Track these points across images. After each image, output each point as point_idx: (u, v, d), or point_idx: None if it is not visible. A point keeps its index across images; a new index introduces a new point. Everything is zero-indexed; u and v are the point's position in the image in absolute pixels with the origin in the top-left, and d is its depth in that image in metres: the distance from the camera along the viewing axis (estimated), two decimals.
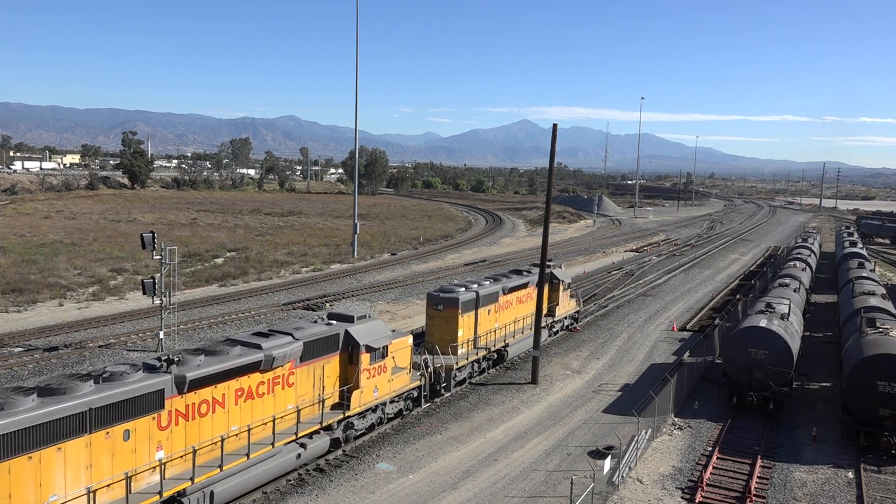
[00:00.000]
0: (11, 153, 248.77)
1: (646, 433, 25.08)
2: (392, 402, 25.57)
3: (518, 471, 23.15)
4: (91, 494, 15.52)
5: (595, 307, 49.37)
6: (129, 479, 16.30)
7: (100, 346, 34.40)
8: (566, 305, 41.16)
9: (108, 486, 16.01)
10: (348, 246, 72.91)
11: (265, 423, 20.11)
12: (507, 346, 34.02)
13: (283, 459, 20.41)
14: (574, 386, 32.45)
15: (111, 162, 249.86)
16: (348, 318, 23.91)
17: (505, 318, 34.45)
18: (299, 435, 21.04)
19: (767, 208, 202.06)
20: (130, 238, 69.90)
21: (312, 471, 22.26)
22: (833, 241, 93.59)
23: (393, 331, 26.22)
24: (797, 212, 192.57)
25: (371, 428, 24.82)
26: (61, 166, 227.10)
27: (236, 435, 19.30)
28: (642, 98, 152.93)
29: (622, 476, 22.55)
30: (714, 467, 23.80)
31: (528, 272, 38.14)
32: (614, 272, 65.67)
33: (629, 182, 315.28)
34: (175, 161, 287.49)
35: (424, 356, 27.89)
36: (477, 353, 31.45)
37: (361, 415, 23.99)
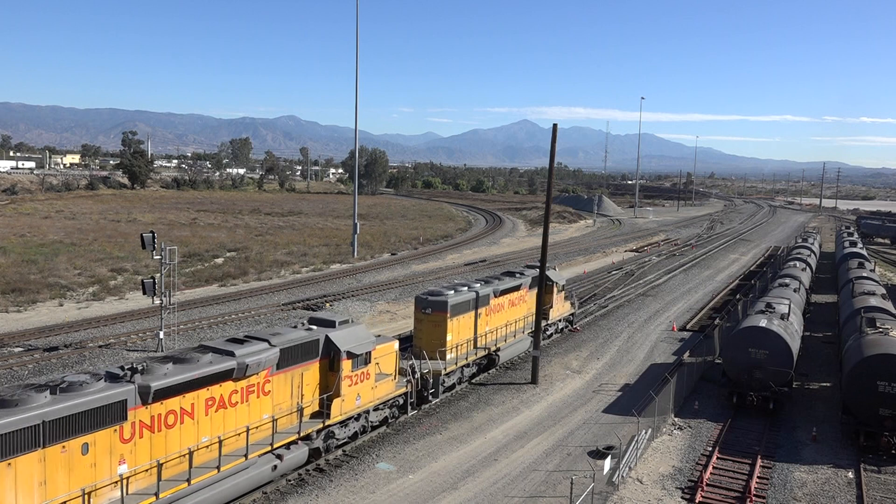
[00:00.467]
0: None
1: (646, 433, 25.07)
2: (376, 409, 24.78)
3: (518, 471, 23.15)
4: None
5: (595, 307, 49.38)
6: (87, 495, 15.54)
7: (100, 346, 34.40)
8: (560, 308, 40.41)
9: (65, 503, 15.22)
10: (348, 246, 72.91)
11: (239, 434, 19.27)
12: (498, 349, 33.27)
13: (257, 472, 19.56)
14: (574, 386, 32.45)
15: (111, 162, 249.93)
16: (329, 324, 23.12)
17: (496, 322, 33.73)
18: (275, 446, 20.21)
19: (767, 208, 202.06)
20: (130, 238, 69.89)
21: (312, 471, 22.25)
22: (833, 241, 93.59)
23: (378, 336, 25.61)
24: (797, 212, 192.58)
25: (354, 437, 24.03)
26: (49, 166, 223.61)
27: (207, 447, 18.46)
28: (642, 98, 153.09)
29: (622, 476, 22.55)
30: (714, 467, 23.80)
31: (521, 274, 37.40)
32: (614, 272, 65.67)
33: (629, 182, 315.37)
34: (175, 161, 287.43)
35: (411, 362, 26.98)
36: (466, 358, 30.61)
37: (343, 424, 23.17)
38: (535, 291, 37.28)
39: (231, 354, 19.19)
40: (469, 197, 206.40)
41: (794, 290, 39.27)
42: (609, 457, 22.44)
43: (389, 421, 25.78)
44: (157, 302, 33.98)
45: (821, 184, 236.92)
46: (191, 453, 17.79)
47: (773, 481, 23.06)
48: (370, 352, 23.58)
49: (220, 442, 18.58)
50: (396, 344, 25.77)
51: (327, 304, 46.04)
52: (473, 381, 31.96)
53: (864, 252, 60.69)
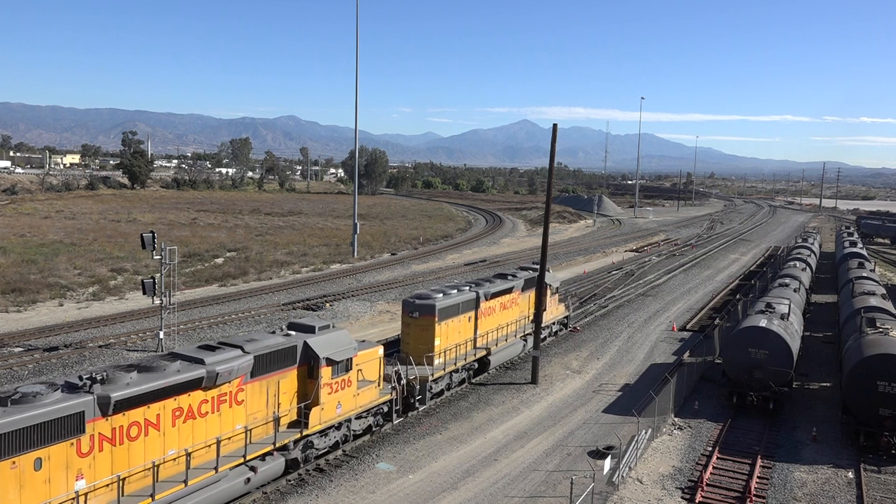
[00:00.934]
0: None
1: (646, 433, 25.08)
2: (359, 418, 23.90)
3: (518, 471, 23.16)
4: None
5: (595, 307, 49.39)
6: None
7: (100, 346, 34.40)
8: (554, 311, 39.54)
9: None
10: (348, 246, 72.92)
11: (209, 446, 18.42)
12: (489, 354, 32.42)
13: (228, 485, 18.62)
14: (574, 386, 32.46)
15: (111, 162, 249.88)
16: (309, 329, 22.35)
17: (487, 325, 32.86)
18: (248, 457, 19.37)
19: (767, 208, 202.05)
20: (130, 238, 69.89)
21: (312, 471, 22.26)
22: (833, 241, 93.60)
23: (362, 341, 24.96)
24: (797, 212, 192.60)
25: (335, 446, 23.22)
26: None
27: (174, 459, 17.66)
28: (642, 98, 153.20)
29: (622, 476, 22.56)
30: (714, 467, 23.81)
31: (514, 276, 36.41)
32: (614, 272, 65.67)
33: (629, 182, 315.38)
34: (175, 161, 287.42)
35: (396, 367, 26.15)
36: (455, 363, 29.68)
37: (323, 433, 22.33)
38: (528, 294, 36.83)
39: (201, 362, 18.35)
40: (469, 197, 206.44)
41: (794, 290, 39.27)
42: (609, 457, 22.44)
43: (374, 429, 24.99)
44: (157, 302, 33.98)
45: (821, 184, 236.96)
46: (155, 467, 17.01)
47: (773, 481, 23.06)
48: (351, 358, 22.75)
49: (188, 454, 17.76)
50: (381, 349, 24.92)
51: (327, 304, 46.04)
52: (473, 381, 31.89)
53: (864, 252, 60.69)
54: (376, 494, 21.03)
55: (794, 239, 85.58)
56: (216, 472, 18.34)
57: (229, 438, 19.12)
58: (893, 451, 25.23)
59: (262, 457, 19.98)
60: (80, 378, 16.32)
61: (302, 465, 21.75)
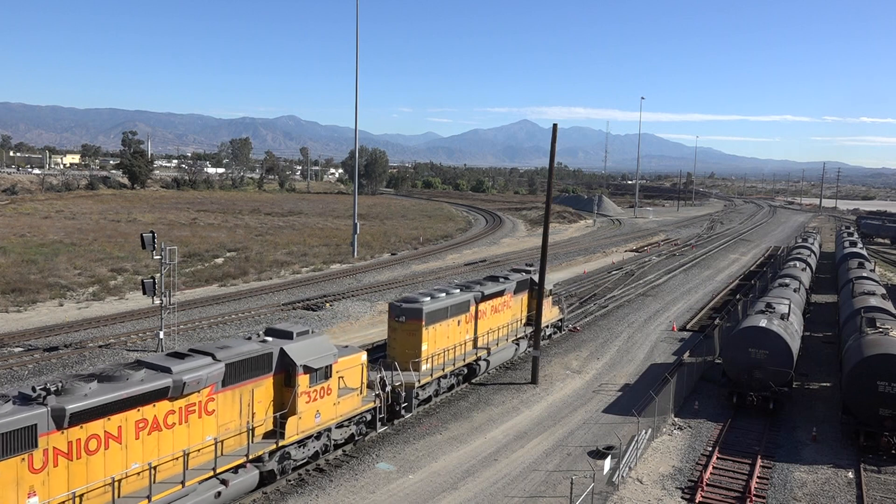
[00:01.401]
0: None
1: (646, 433, 25.08)
2: (340, 427, 23.02)
3: (518, 471, 23.16)
4: None
5: (595, 307, 49.38)
6: None
7: (100, 346, 34.41)
8: (548, 313, 38.41)
9: None
10: (348, 246, 72.92)
11: (176, 459, 17.58)
12: (479, 359, 31.62)
13: (196, 499, 17.80)
14: (574, 386, 32.46)
15: (111, 162, 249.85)
16: (287, 335, 21.47)
17: (478, 330, 32.08)
18: (219, 470, 18.39)
19: (767, 208, 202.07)
20: (130, 238, 69.89)
21: (312, 471, 22.26)
22: (833, 241, 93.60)
23: (345, 346, 24.32)
24: (797, 212, 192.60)
25: (315, 457, 22.37)
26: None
27: (138, 474, 16.81)
28: (642, 98, 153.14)
29: (622, 476, 22.56)
30: (714, 467, 23.81)
31: (506, 278, 35.51)
32: (614, 272, 65.67)
33: (629, 182, 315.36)
34: (175, 161, 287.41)
35: (380, 374, 25.09)
36: (443, 369, 28.80)
37: (301, 443, 21.43)
38: (520, 297, 36.29)
39: (167, 371, 17.55)
40: (469, 197, 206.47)
41: (794, 290, 39.27)
42: (609, 457, 22.45)
43: (357, 438, 24.18)
44: (157, 302, 33.97)
45: (821, 184, 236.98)
46: (115, 482, 16.14)
47: (773, 481, 23.07)
48: (331, 365, 21.89)
49: (152, 468, 16.88)
50: (364, 356, 24.07)
51: (327, 304, 46.05)
52: (472, 381, 31.82)
53: (864, 252, 60.70)
54: (376, 494, 21.03)
55: (794, 239, 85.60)
56: (183, 486, 17.45)
57: (199, 451, 18.29)
58: (893, 451, 25.23)
59: (235, 469, 19.09)
60: (34, 389, 15.51)
61: (279, 477, 20.89)
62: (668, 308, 51.09)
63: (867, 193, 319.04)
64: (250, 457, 19.49)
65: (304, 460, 21.93)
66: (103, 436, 16.15)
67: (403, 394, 26.12)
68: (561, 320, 41.26)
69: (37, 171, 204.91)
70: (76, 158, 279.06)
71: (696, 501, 21.37)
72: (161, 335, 34.09)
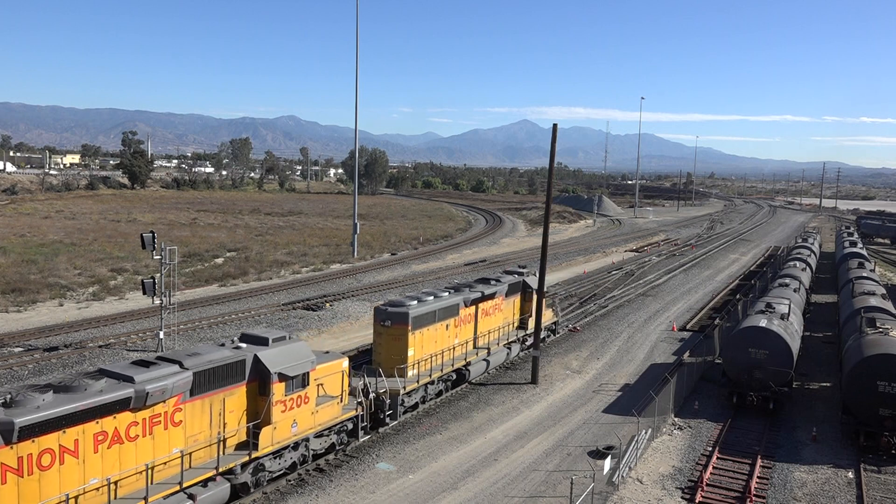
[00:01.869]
0: None
1: (646, 433, 25.08)
2: (319, 436, 22.27)
3: (518, 471, 23.16)
4: None
5: (595, 307, 49.39)
6: None
7: (100, 346, 34.41)
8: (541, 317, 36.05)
9: None
10: (348, 246, 72.92)
11: (140, 473, 16.76)
12: (468, 364, 30.70)
13: None
14: (574, 386, 32.46)
15: (111, 162, 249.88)
16: (262, 341, 20.61)
17: (467, 334, 31.31)
18: (185, 484, 17.47)
19: (767, 208, 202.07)
20: (130, 238, 69.89)
21: (312, 471, 22.26)
22: (833, 241, 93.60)
23: (326, 352, 23.53)
24: (797, 212, 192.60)
25: (293, 468, 21.54)
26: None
27: (97, 489, 15.91)
28: (642, 98, 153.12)
29: (622, 476, 22.56)
30: (714, 467, 23.81)
31: (497, 281, 34.56)
32: (614, 272, 65.68)
33: (629, 182, 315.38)
34: (175, 161, 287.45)
35: (362, 381, 24.23)
36: (430, 375, 27.89)
37: (277, 454, 20.58)
38: (512, 299, 35.51)
39: (129, 380, 16.73)
40: (469, 197, 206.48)
41: (794, 290, 39.28)
42: (609, 457, 22.45)
43: (338, 448, 23.39)
44: (157, 302, 33.98)
45: (821, 184, 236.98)
46: (69, 499, 15.27)
47: (773, 481, 23.07)
48: (308, 373, 21.06)
49: (110, 484, 16.04)
50: (345, 362, 23.34)
51: (327, 304, 46.05)
52: (472, 381, 31.76)
53: (864, 252, 60.70)
54: (376, 494, 21.03)
55: (794, 239, 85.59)
56: (146, 501, 16.60)
57: (165, 464, 17.44)
58: (893, 451, 25.23)
59: (205, 483, 18.13)
60: None
61: (252, 490, 20.06)
62: (668, 308, 51.09)
63: (867, 193, 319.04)
64: (220, 469, 18.62)
65: (281, 472, 21.14)
66: (58, 450, 15.26)
67: (388, 401, 25.30)
68: (555, 323, 40.36)
69: (36, 170, 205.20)
70: (76, 158, 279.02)
71: (696, 501, 21.38)
72: (161, 335, 34.10)
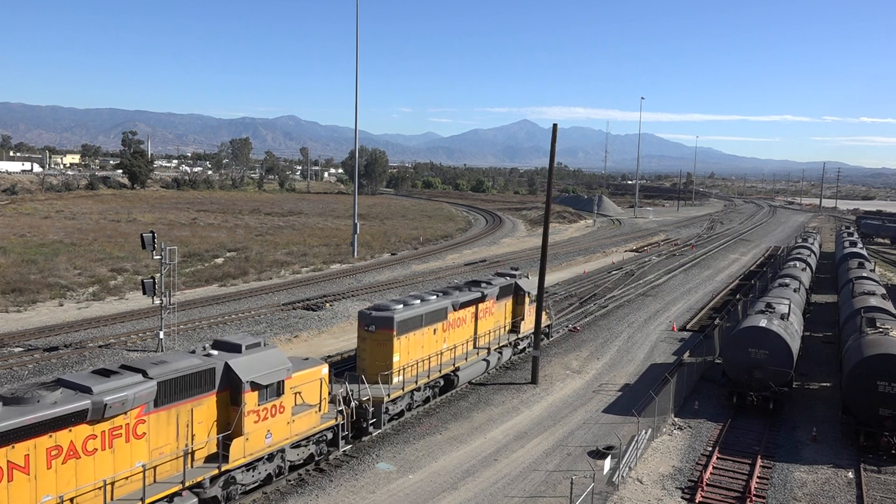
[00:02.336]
0: None
1: (646, 433, 25.08)
2: (296, 447, 21.34)
3: (518, 471, 23.16)
4: None
5: (595, 307, 49.39)
6: None
7: (100, 346, 34.41)
8: (532, 320, 35.22)
9: None
10: (348, 246, 72.92)
11: (99, 488, 15.90)
12: (457, 369, 29.68)
13: None
14: (574, 386, 32.46)
15: (111, 162, 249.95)
16: (235, 348, 19.78)
17: (457, 338, 30.24)
18: (148, 500, 16.67)
19: (767, 208, 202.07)
20: (130, 238, 69.90)
21: (312, 471, 22.26)
22: (833, 241, 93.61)
23: (304, 359, 22.78)
24: (797, 212, 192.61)
25: (268, 480, 20.63)
26: None
27: None
28: (642, 98, 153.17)
29: (622, 476, 22.56)
30: (714, 467, 23.81)
31: (488, 284, 33.55)
32: (614, 272, 65.68)
33: (629, 182, 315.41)
34: (175, 161, 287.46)
35: (343, 388, 23.31)
36: (416, 381, 26.91)
37: (249, 466, 19.66)
38: (503, 302, 34.67)
39: (87, 391, 15.84)
40: (469, 197, 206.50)
41: (794, 290, 39.28)
42: (609, 457, 22.45)
43: (317, 458, 22.52)
44: (157, 302, 33.99)
45: (821, 184, 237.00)
46: None
47: (773, 481, 23.07)
48: (283, 381, 20.18)
49: (63, 501, 15.28)
50: (325, 368, 22.39)
51: (327, 304, 46.06)
52: (472, 381, 31.79)
53: (864, 252, 60.71)
54: (376, 494, 21.04)
55: (794, 239, 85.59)
56: None
57: (126, 479, 16.59)
58: (893, 451, 25.23)
59: (170, 498, 17.27)
60: None
61: None
62: (668, 308, 51.09)
63: (867, 193, 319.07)
64: (187, 483, 17.68)
65: (255, 484, 20.23)
66: (6, 466, 14.43)
67: (371, 409, 24.36)
68: (548, 326, 39.20)
69: (37, 168, 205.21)
70: (76, 158, 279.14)
71: (696, 501, 21.38)
72: (161, 335, 34.10)
